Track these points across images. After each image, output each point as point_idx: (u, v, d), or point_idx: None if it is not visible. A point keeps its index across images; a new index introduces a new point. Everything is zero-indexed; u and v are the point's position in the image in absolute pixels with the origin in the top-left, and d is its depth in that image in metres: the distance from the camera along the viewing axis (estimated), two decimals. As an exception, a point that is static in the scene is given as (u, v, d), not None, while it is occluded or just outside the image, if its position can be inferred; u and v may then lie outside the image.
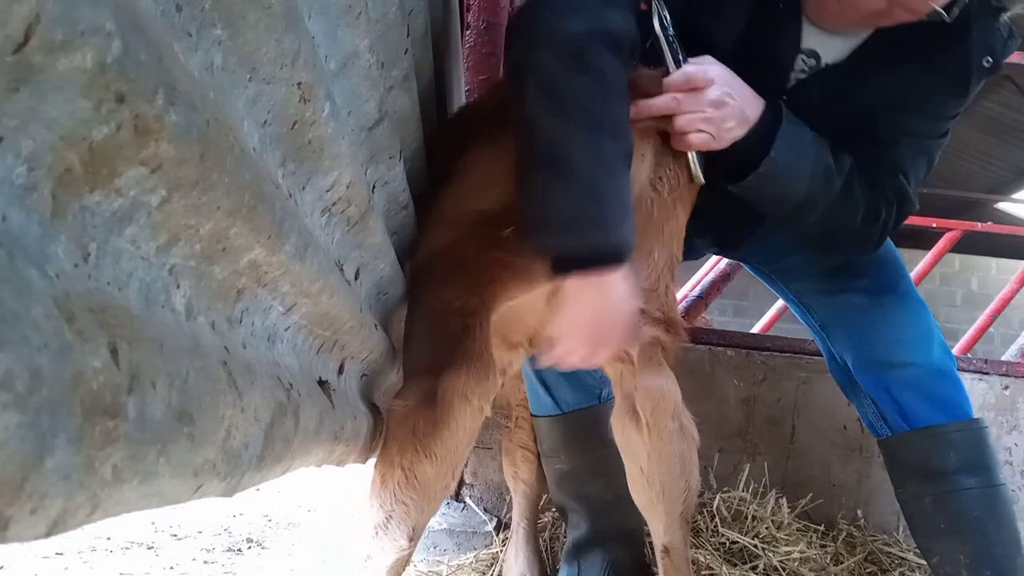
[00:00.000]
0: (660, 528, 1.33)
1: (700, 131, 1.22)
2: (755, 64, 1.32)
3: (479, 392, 1.04)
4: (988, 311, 2.88)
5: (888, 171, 1.37)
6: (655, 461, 1.26)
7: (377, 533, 1.00)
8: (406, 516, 0.99)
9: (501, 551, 1.91)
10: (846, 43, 1.36)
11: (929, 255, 3.16)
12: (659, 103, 1.21)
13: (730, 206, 1.39)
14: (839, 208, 1.35)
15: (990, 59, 1.30)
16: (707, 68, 1.24)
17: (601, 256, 1.01)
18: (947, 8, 1.20)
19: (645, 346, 1.25)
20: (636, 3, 1.24)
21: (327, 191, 0.76)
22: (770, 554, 1.79)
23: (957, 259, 7.77)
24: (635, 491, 1.36)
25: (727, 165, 1.30)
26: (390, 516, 0.99)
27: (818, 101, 1.38)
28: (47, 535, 0.33)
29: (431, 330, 1.12)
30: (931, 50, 1.28)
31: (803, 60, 1.37)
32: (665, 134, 1.24)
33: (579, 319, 1.05)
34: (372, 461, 1.14)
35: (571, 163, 1.02)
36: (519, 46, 1.14)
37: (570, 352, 1.09)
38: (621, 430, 1.33)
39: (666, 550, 1.34)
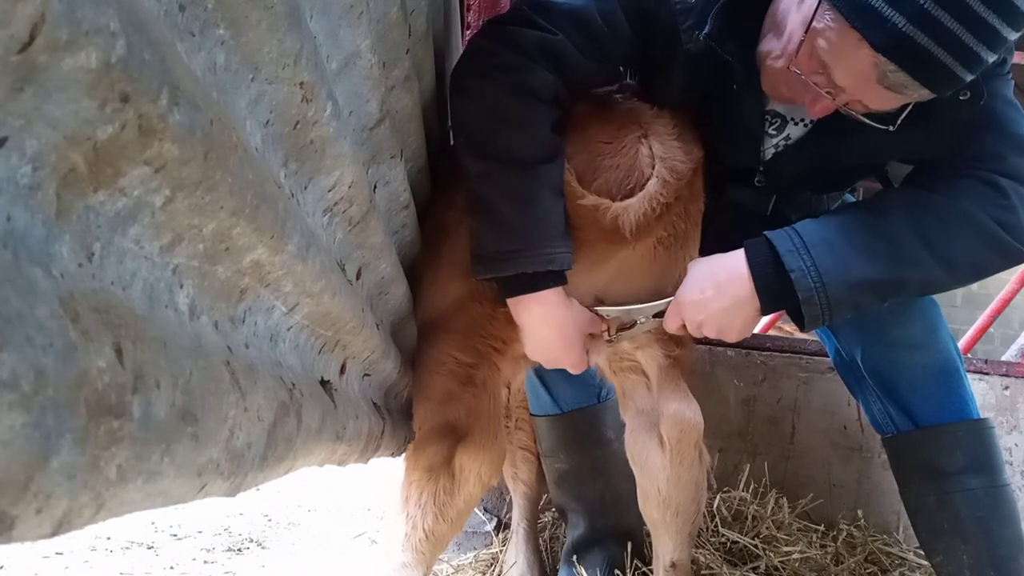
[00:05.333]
0: (670, 545, 1.41)
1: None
2: (725, 133, 1.34)
3: (492, 473, 1.28)
4: (988, 311, 2.87)
5: (970, 159, 1.25)
6: (674, 485, 1.36)
7: (400, 570, 1.26)
8: (423, 561, 1.26)
9: (501, 551, 1.91)
10: None
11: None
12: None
13: (728, 228, 1.39)
14: (957, 234, 1.21)
15: (967, 92, 1.16)
16: (681, 309, 1.26)
17: (525, 281, 1.19)
18: (892, 117, 1.17)
19: (665, 367, 1.37)
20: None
21: (329, 191, 0.76)
22: (770, 554, 1.79)
23: (957, 259, 7.72)
24: (647, 507, 1.43)
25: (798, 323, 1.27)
26: (411, 562, 1.25)
27: (807, 167, 1.38)
28: (52, 535, 0.33)
29: (446, 391, 1.28)
30: None
31: (768, 120, 1.37)
32: (678, 198, 1.25)
33: (530, 337, 1.25)
34: (374, 463, 1.18)
35: (491, 203, 1.19)
36: (453, 89, 1.26)
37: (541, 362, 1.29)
38: (638, 446, 1.42)
39: (673, 565, 1.42)
